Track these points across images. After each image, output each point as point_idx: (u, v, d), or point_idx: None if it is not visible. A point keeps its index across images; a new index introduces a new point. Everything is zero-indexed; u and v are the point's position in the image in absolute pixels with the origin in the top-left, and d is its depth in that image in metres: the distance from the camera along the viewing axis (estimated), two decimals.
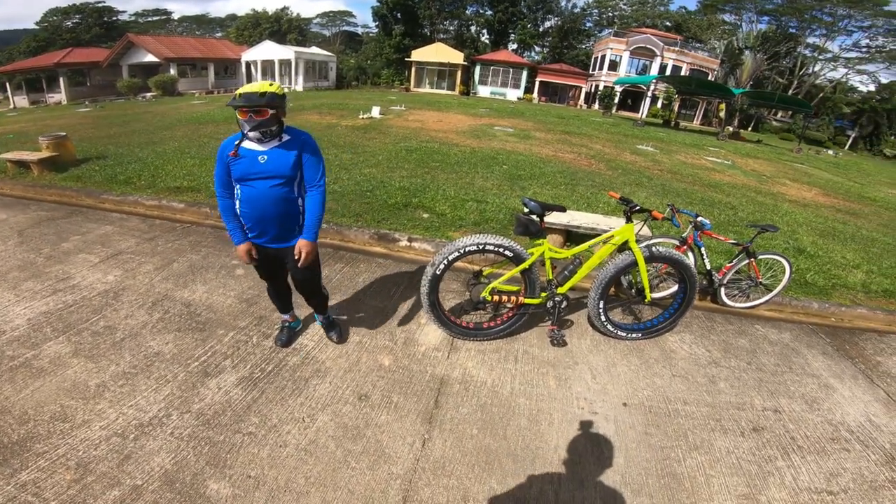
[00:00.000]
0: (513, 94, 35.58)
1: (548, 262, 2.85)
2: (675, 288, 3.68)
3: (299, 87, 29.75)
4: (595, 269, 3.00)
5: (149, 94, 25.19)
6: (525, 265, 2.76)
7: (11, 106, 26.05)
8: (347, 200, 5.37)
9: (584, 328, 3.34)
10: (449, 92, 34.24)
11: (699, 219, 3.50)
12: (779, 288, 3.86)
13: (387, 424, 2.30)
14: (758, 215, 6.75)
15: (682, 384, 2.86)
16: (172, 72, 27.55)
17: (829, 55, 40.54)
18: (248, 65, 32.20)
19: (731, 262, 3.80)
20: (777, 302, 4.02)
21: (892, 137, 36.45)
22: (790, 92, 36.52)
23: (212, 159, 6.71)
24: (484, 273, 2.96)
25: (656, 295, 3.84)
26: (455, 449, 2.22)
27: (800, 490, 2.16)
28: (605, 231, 3.46)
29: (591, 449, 2.30)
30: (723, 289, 3.87)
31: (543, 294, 2.95)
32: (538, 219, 2.73)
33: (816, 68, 41.01)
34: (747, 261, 3.73)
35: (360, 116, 12.90)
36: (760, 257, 3.75)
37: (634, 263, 2.83)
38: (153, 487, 1.86)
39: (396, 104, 17.66)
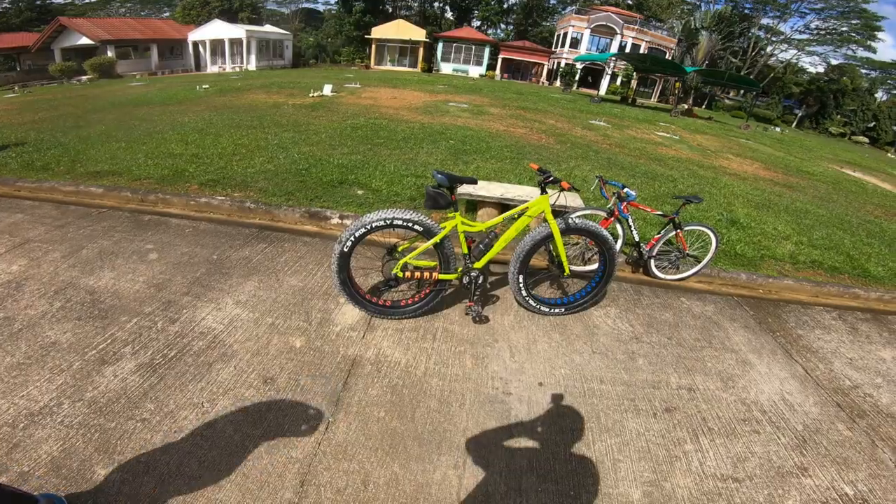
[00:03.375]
0: (475, 72, 35.26)
1: (461, 237, 2.74)
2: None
3: (252, 67, 28.45)
4: (513, 243, 2.91)
5: (84, 78, 23.71)
6: (436, 239, 2.64)
7: None
8: (280, 179, 5.08)
9: (509, 304, 3.27)
10: (410, 69, 33.44)
11: (624, 190, 3.47)
12: (706, 259, 3.91)
13: (290, 408, 2.20)
14: (696, 188, 6.90)
15: (601, 361, 2.81)
16: (110, 54, 26.04)
17: (780, 37, 42.03)
18: (195, 45, 30.51)
19: (659, 233, 3.81)
20: (706, 274, 4.08)
21: (838, 116, 38.42)
22: (743, 72, 37.73)
23: (140, 142, 6.44)
24: (399, 248, 2.82)
25: (587, 268, 3.83)
26: (359, 432, 2.12)
27: (705, 476, 2.13)
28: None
29: (500, 432, 2.23)
30: (652, 261, 3.88)
31: (459, 269, 2.85)
32: (448, 191, 2.59)
33: (769, 49, 42.41)
34: (674, 232, 3.75)
35: (311, 95, 12.34)
36: (687, 229, 3.78)
37: (551, 236, 2.76)
38: (39, 473, 1.78)
39: (352, 82, 17.04)
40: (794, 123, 39.03)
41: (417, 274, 2.76)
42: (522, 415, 2.34)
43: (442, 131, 8.37)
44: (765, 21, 41.19)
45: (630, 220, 3.67)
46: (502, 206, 4.44)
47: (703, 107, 36.98)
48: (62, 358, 2.38)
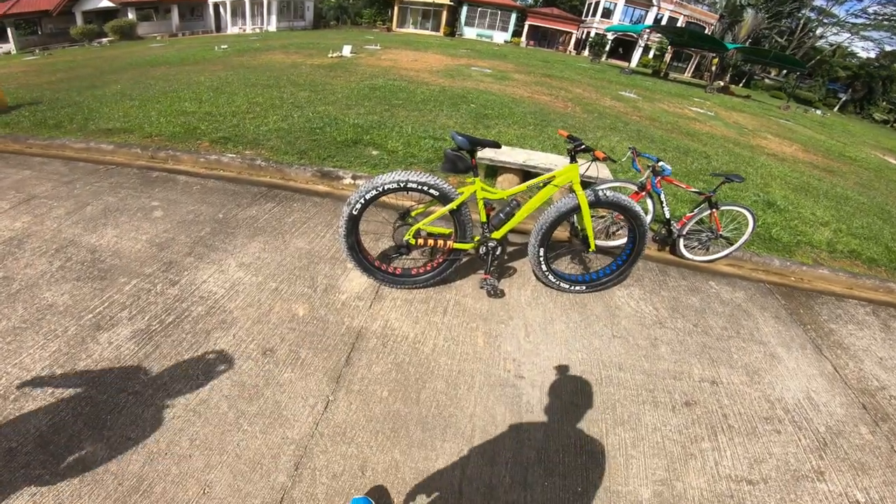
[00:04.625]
0: (500, 37, 33.94)
1: (480, 204, 2.52)
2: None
3: (272, 28, 27.85)
4: (536, 213, 2.68)
5: (105, 40, 23.58)
6: (453, 205, 2.43)
7: None
8: (293, 138, 4.88)
9: (527, 278, 3.08)
10: (433, 33, 32.32)
11: (659, 163, 3.18)
12: (740, 242, 3.63)
13: (289, 383, 2.07)
14: (731, 166, 6.47)
15: (621, 346, 2.63)
16: (131, 16, 25.76)
17: (833, 19, 39.51)
18: (216, 6, 29.76)
19: (692, 211, 3.52)
20: (737, 257, 3.81)
21: (884, 103, 36.31)
22: (788, 52, 35.66)
23: (154, 100, 6.29)
24: (412, 213, 2.62)
25: (611, 243, 3.59)
26: (360, 413, 2.00)
27: (719, 478, 1.97)
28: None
29: (508, 419, 2.07)
30: (682, 240, 3.63)
31: (476, 238, 2.65)
32: (468, 155, 2.36)
33: (818, 31, 40.00)
34: (709, 211, 3.46)
35: (330, 55, 11.94)
36: (723, 208, 3.48)
37: (578, 208, 2.52)
38: (27, 450, 1.69)
39: (372, 44, 16.48)
40: (837, 107, 36.94)
41: (431, 241, 2.58)
42: (534, 401, 2.19)
43: (463, 95, 8.01)
44: (817, 2, 38.68)
45: (662, 196, 3.40)
46: (524, 173, 4.19)
47: (741, 85, 35.20)
48: (58, 322, 2.29)
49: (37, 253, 2.80)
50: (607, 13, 34.33)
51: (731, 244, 3.69)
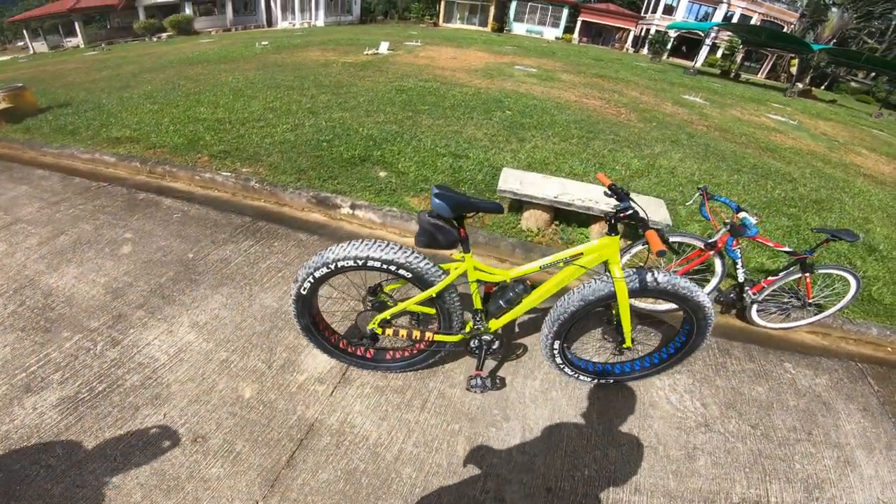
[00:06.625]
0: (551, 34, 32.51)
1: (473, 287, 1.84)
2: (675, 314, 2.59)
3: (320, 22, 28.00)
4: (552, 299, 1.97)
5: (164, 35, 24.46)
6: (432, 292, 1.77)
7: (31, 52, 25.88)
8: (296, 154, 4.38)
9: (538, 362, 2.37)
10: (481, 28, 31.45)
11: (741, 215, 2.35)
12: (833, 309, 2.77)
13: (215, 480, 1.72)
14: (823, 193, 5.32)
15: (645, 460, 1.96)
16: (188, 11, 26.56)
17: None
18: (267, 0, 30.33)
19: (777, 275, 2.66)
20: (825, 323, 2.93)
21: None
22: (878, 54, 31.96)
23: (173, 104, 6.08)
24: (384, 288, 1.99)
25: (658, 307, 2.80)
26: None
27: None
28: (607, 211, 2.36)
29: None
30: (755, 305, 2.78)
31: (468, 327, 1.97)
32: (453, 223, 1.68)
33: None
34: (799, 275, 2.59)
35: (365, 52, 11.52)
36: (819, 272, 2.59)
37: (613, 296, 1.78)
38: None
39: (414, 39, 15.96)
40: None
41: (404, 333, 1.94)
42: None
43: (500, 99, 7.25)
44: None
45: (739, 262, 2.58)
46: (556, 210, 3.44)
47: (823, 88, 31.85)
48: None
49: None
50: (669, 9, 32.24)
51: (822, 311, 2.80)
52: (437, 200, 1.58)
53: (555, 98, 8.03)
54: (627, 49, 33.57)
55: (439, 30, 26.68)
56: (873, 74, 32.13)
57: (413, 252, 1.73)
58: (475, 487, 1.78)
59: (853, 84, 34.77)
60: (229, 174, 3.93)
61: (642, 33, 33.55)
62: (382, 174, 4.07)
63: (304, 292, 1.83)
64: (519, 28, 33.18)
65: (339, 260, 1.70)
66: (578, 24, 33.96)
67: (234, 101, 6.11)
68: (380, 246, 1.70)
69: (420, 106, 6.33)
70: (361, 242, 1.71)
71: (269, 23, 30.81)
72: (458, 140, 5.05)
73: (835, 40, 28.31)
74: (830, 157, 7.47)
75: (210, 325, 2.41)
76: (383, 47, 11.99)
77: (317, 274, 1.75)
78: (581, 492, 1.81)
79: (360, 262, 1.69)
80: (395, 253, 1.69)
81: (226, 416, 1.94)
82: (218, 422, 1.91)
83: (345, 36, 16.22)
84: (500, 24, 32.63)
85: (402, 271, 1.71)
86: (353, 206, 3.58)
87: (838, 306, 2.73)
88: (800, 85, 20.45)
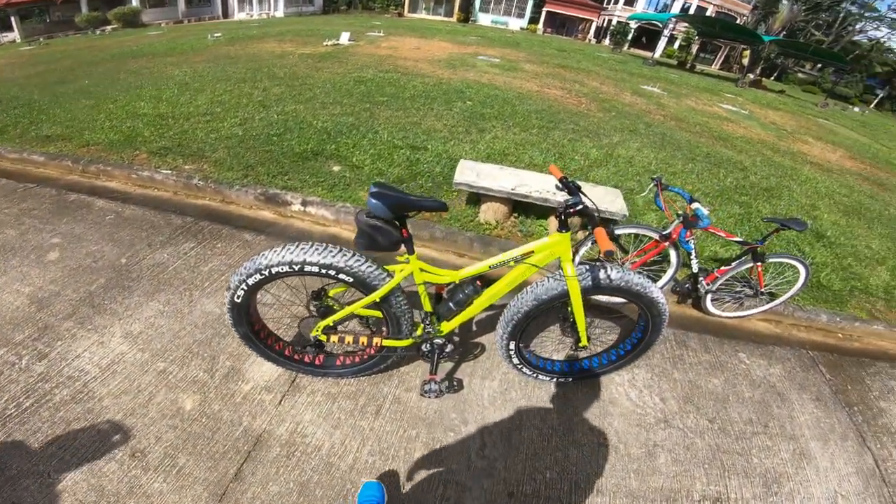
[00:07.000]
0: (516, 24, 32.67)
1: (421, 289, 1.74)
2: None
3: (280, 13, 26.94)
4: (506, 297, 1.90)
5: (109, 28, 22.99)
6: (376, 297, 1.65)
7: None
8: (243, 149, 4.14)
9: (496, 362, 2.30)
10: (446, 19, 31.17)
11: (694, 205, 2.34)
12: (784, 297, 2.83)
13: (158, 496, 1.62)
14: (773, 180, 5.50)
15: (607, 460, 1.94)
16: (134, 3, 25.01)
17: (875, 13, 37.55)
18: None
19: (730, 265, 2.69)
20: (777, 311, 3.00)
21: None
22: (824, 46, 33.80)
23: (111, 100, 5.65)
24: (329, 292, 1.86)
25: (614, 300, 2.78)
26: None
27: None
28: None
29: None
30: (709, 295, 2.81)
31: (419, 330, 1.87)
32: (395, 224, 1.55)
33: (857, 26, 38.01)
34: (751, 265, 2.63)
35: (325, 43, 11.14)
36: (770, 261, 2.63)
37: (566, 295, 1.72)
38: None
39: (377, 30, 15.59)
40: (874, 104, 34.83)
41: (350, 339, 1.82)
42: None
43: (461, 89, 7.14)
44: None
45: (693, 254, 2.58)
46: (514, 203, 3.38)
47: (773, 79, 33.39)
48: None
49: None
50: (630, 0, 32.76)
51: (774, 299, 2.87)
52: (373, 200, 1.45)
53: (517, 88, 7.99)
54: (590, 40, 34.08)
55: (404, 20, 26.21)
56: (819, 66, 33.96)
57: (354, 255, 1.60)
58: (434, 495, 1.70)
59: (800, 75, 36.67)
60: (170, 172, 3.67)
61: (605, 24, 34.10)
62: (336, 168, 3.90)
63: (238, 300, 1.68)
64: (484, 18, 33.12)
65: (272, 266, 1.56)
66: (543, 14, 34.21)
67: (178, 95, 5.74)
68: (317, 249, 1.57)
69: (379, 97, 6.14)
70: (297, 246, 1.58)
71: (226, 14, 29.43)
72: (416, 132, 4.92)
73: (784, 32, 29.60)
74: (779, 146, 7.77)
75: (145, 335, 2.24)
76: (344, 38, 11.63)
77: (250, 281, 1.61)
78: (543, 495, 1.76)
79: (296, 268, 1.56)
80: (335, 256, 1.57)
81: (166, 430, 1.82)
82: (157, 435, 1.80)
83: (305, 27, 15.66)
84: (466, 15, 32.38)
85: (342, 276, 1.58)
86: (304, 203, 3.40)
87: (789, 294, 2.78)
88: (751, 76, 21.30)
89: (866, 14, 38.39)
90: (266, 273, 1.58)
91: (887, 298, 3.43)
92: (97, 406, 1.87)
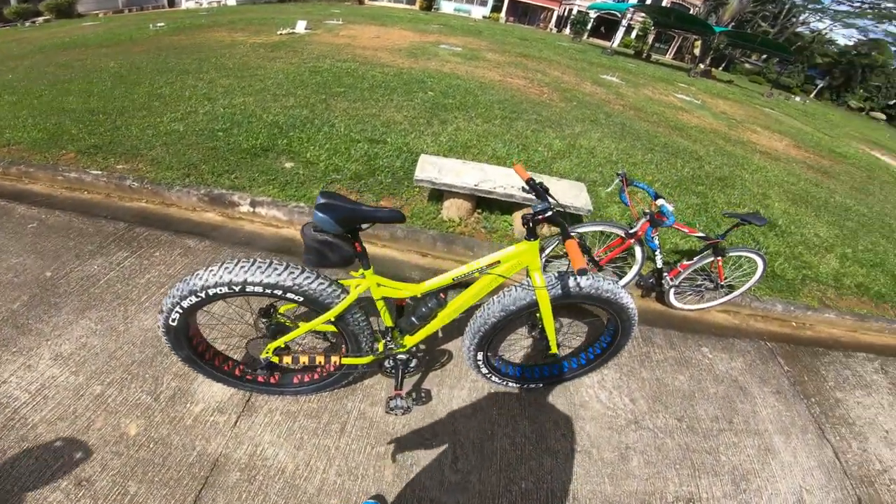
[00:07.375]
0: (478, 12, 32.50)
1: (380, 305, 1.60)
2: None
3: (231, 1, 25.39)
4: (473, 308, 1.79)
5: (40, 19, 21.02)
6: (330, 315, 1.50)
7: None
8: (185, 145, 3.82)
9: (463, 370, 2.21)
10: (408, 7, 30.46)
11: (659, 202, 2.30)
12: (742, 289, 2.91)
13: None
14: (726, 170, 5.67)
15: (581, 466, 1.90)
16: None
17: (818, 5, 39.73)
18: None
19: (691, 259, 2.70)
20: (735, 301, 3.07)
21: (861, 91, 36.69)
22: (770, 37, 35.49)
23: (35, 94, 5.11)
24: (279, 310, 1.69)
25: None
26: None
27: None
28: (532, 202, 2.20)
29: None
30: (672, 289, 2.83)
31: (380, 346, 1.73)
32: (345, 238, 1.41)
33: (801, 17, 40.14)
34: (712, 259, 2.65)
35: (279, 32, 10.57)
36: (730, 254, 2.66)
37: (535, 305, 1.62)
38: None
39: (335, 18, 15.00)
40: (813, 94, 37.05)
41: (305, 359, 1.66)
42: None
43: (422, 79, 6.94)
44: None
45: (658, 251, 2.58)
46: (478, 198, 3.28)
47: (721, 69, 34.82)
48: None
49: None
50: None
51: (732, 291, 2.93)
52: (320, 214, 1.29)
53: (479, 78, 7.87)
54: (551, 29, 34.36)
55: (364, 8, 25.42)
56: (765, 57, 35.70)
57: (303, 271, 1.44)
58: None
59: (747, 65, 38.43)
60: (100, 172, 3.33)
61: (565, 13, 34.39)
62: (288, 165, 3.66)
63: (173, 324, 1.49)
64: (447, 6, 32.72)
65: (208, 287, 1.38)
66: (506, 2, 34.11)
67: (112, 88, 5.25)
68: (259, 267, 1.39)
69: (336, 88, 5.86)
70: (236, 264, 1.39)
71: (171, 3, 27.53)
72: (375, 124, 4.72)
73: (733, 23, 30.85)
74: (730, 135, 8.05)
75: (77, 356, 2.01)
76: (300, 26, 11.10)
77: (184, 304, 1.42)
78: None
79: (236, 289, 1.38)
80: (280, 274, 1.39)
81: (110, 457, 1.66)
82: (102, 463, 1.65)
83: (258, 15, 14.84)
84: (429, 3, 31.74)
85: (290, 295, 1.42)
86: (253, 203, 3.17)
87: (747, 286, 2.85)
88: (702, 66, 22.05)
89: (809, 6, 40.47)
90: (202, 295, 1.40)
91: (837, 286, 3.58)
92: (31, 433, 1.69)
